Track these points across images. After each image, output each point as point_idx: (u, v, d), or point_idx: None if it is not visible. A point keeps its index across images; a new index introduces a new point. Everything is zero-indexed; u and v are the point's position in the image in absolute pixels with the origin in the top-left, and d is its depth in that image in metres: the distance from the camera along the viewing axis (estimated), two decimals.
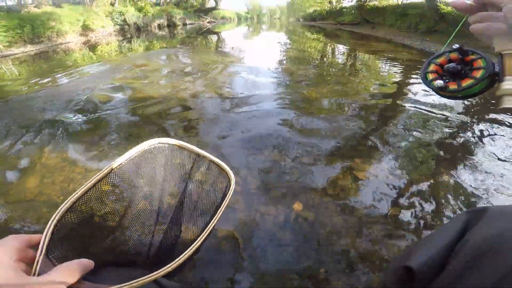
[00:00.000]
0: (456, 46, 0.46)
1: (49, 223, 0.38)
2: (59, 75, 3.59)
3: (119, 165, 0.54)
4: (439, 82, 0.45)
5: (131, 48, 6.65)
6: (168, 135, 1.75)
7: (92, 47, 7.00)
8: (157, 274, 0.38)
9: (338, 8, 19.77)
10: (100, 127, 1.89)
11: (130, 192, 0.59)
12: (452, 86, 0.45)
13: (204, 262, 0.86)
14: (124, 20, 11.32)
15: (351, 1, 18.60)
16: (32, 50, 6.75)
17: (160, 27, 13.49)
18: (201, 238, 0.45)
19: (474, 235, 0.34)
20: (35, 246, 0.34)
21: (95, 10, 9.88)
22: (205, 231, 0.48)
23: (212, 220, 0.50)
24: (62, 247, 0.40)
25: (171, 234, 0.59)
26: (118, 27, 11.02)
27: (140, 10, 12.68)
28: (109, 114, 2.12)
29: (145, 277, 0.37)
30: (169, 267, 0.40)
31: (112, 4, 11.43)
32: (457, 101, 2.49)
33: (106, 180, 0.52)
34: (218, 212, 0.52)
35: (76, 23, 8.79)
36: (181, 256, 0.42)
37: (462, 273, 0.32)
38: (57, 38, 7.87)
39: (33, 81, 3.34)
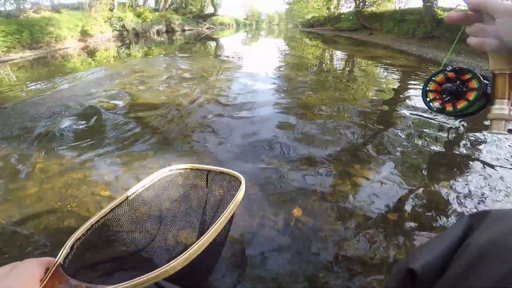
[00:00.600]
0: (450, 67, 0.45)
1: (62, 249, 0.45)
2: (57, 81, 3.57)
3: (133, 193, 0.61)
4: (437, 105, 0.45)
5: (130, 54, 6.66)
6: (167, 142, 1.71)
7: (91, 52, 7.00)
8: (151, 274, 0.40)
9: (336, 14, 20.02)
10: (98, 133, 1.87)
11: (147, 216, 0.65)
12: (448, 107, 0.44)
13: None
14: (123, 26, 11.37)
15: (349, 7, 18.87)
16: (31, 56, 6.75)
17: (158, 33, 13.57)
18: (202, 239, 0.47)
19: (476, 238, 0.34)
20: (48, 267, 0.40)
21: (94, 16, 9.92)
22: (207, 233, 0.49)
23: (216, 222, 0.51)
24: (79, 265, 0.46)
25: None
26: (116, 32, 11.06)
27: (139, 15, 12.76)
28: (108, 120, 2.10)
29: (139, 278, 0.40)
30: (164, 268, 0.41)
31: (111, 10, 11.49)
32: None
33: (118, 210, 0.58)
34: (224, 213, 0.54)
35: (75, 28, 8.82)
36: (178, 257, 0.44)
37: (462, 275, 0.32)
38: (55, 44, 7.88)
39: (31, 87, 3.31)
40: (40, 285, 0.36)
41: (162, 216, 0.72)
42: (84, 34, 9.16)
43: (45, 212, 1.12)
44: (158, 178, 0.70)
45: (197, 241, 0.47)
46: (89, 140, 1.76)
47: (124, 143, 1.71)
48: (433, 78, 0.48)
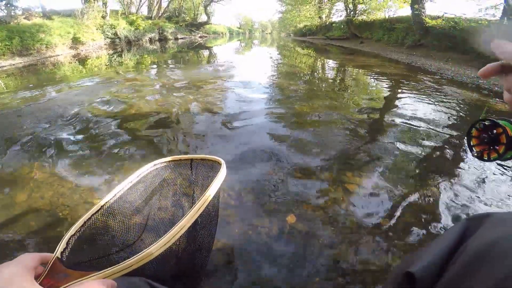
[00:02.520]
0: (485, 122, 0.47)
1: (59, 244, 0.50)
2: (47, 89, 3.50)
3: (121, 189, 0.64)
4: (476, 152, 0.46)
5: (122, 62, 6.62)
6: (159, 150, 1.69)
7: (82, 60, 6.94)
8: (130, 260, 0.43)
9: (327, 23, 20.49)
10: (89, 142, 1.83)
11: (136, 209, 0.69)
12: (485, 155, 0.46)
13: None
14: (115, 34, 11.34)
15: (341, 16, 19.35)
16: (21, 63, 6.63)
17: (151, 41, 13.58)
18: (181, 221, 0.48)
19: (474, 241, 0.35)
20: (45, 263, 0.42)
21: (86, 23, 9.87)
22: (185, 215, 0.50)
23: (195, 206, 0.53)
24: (75, 257, 0.51)
25: None
26: (109, 40, 11.01)
27: (131, 23, 12.76)
28: (99, 129, 2.06)
29: (124, 262, 0.43)
30: (145, 251, 0.44)
31: (104, 17, 11.46)
32: (443, 116, 2.54)
33: (106, 208, 0.61)
34: (204, 195, 0.55)
35: (66, 35, 8.74)
36: (158, 240, 0.46)
37: (460, 278, 0.32)
38: (46, 51, 7.77)
39: (21, 95, 3.24)
40: (41, 277, 0.40)
41: (151, 209, 0.75)
42: (76, 41, 9.08)
43: (35, 220, 1.09)
44: (144, 173, 0.73)
45: (177, 224, 0.48)
46: (79, 149, 1.73)
47: (116, 152, 1.68)
48: (475, 125, 0.50)
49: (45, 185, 1.33)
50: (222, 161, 0.72)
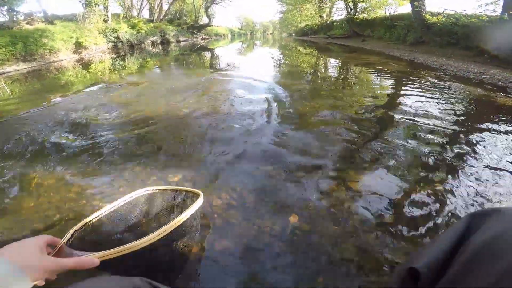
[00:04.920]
0: None
1: (66, 233, 0.65)
2: (52, 94, 3.54)
3: (115, 205, 0.81)
4: None
5: (125, 65, 6.67)
6: (164, 154, 1.70)
7: (85, 65, 7.01)
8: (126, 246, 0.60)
9: (328, 22, 20.43)
10: (94, 147, 1.84)
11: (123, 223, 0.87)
12: None
13: (201, 275, 0.87)
14: (118, 37, 11.43)
15: (341, 15, 19.30)
16: (25, 68, 6.72)
17: (153, 44, 13.66)
18: (154, 233, 0.66)
19: (477, 237, 0.35)
20: (54, 245, 0.54)
21: (88, 27, 9.96)
22: (158, 230, 0.67)
23: (166, 225, 0.70)
24: (78, 244, 0.66)
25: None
26: (111, 44, 11.10)
27: (133, 27, 12.85)
28: (103, 133, 2.07)
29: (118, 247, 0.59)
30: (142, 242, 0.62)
31: (105, 21, 11.55)
32: (447, 111, 2.52)
33: (103, 215, 0.78)
34: (178, 218, 0.74)
35: (69, 40, 8.82)
36: (150, 235, 0.64)
37: (463, 273, 0.32)
38: (49, 56, 7.86)
39: (26, 100, 3.28)
40: (51, 254, 0.52)
41: (137, 224, 0.92)
42: (79, 46, 9.16)
43: (42, 224, 1.10)
44: (136, 196, 0.90)
45: (155, 231, 0.67)
46: (85, 153, 1.74)
47: (121, 156, 1.69)
48: None
49: (52, 190, 1.34)
50: (201, 193, 0.92)
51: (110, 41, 11.04)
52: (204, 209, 1.03)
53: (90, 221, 0.74)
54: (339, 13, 20.10)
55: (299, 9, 23.10)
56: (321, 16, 21.60)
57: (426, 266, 0.37)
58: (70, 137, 2.02)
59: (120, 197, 0.88)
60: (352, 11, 15.93)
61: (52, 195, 1.30)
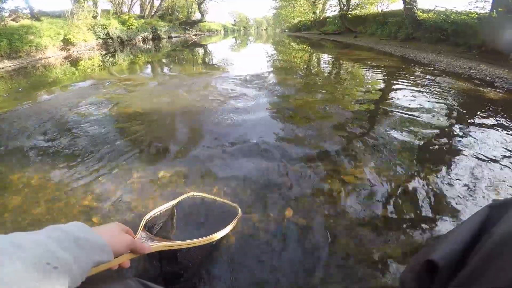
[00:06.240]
0: None
1: (142, 222, 0.73)
2: (39, 92, 3.44)
3: (166, 207, 0.86)
4: None
5: (115, 62, 6.53)
6: (156, 151, 1.66)
7: (74, 62, 6.83)
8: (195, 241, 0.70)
9: (322, 18, 20.43)
10: (83, 144, 1.79)
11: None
12: None
13: (198, 271, 0.86)
14: (107, 34, 11.17)
15: (334, 11, 19.32)
16: (10, 66, 6.51)
17: (145, 40, 13.42)
18: (202, 239, 0.72)
19: (498, 228, 0.34)
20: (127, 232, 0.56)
21: (76, 24, 9.69)
22: (213, 235, 0.75)
23: (219, 232, 0.78)
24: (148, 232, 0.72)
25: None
26: (101, 40, 10.85)
27: (123, 23, 12.57)
28: (93, 131, 2.01)
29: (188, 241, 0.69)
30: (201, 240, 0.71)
31: (94, 17, 11.27)
32: (438, 105, 2.55)
33: (159, 213, 0.83)
34: (223, 230, 0.80)
35: (57, 37, 8.57)
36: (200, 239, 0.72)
37: (483, 267, 0.32)
38: (36, 53, 7.63)
39: (11, 98, 3.17)
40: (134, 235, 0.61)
41: (179, 225, 0.94)
42: (67, 42, 8.92)
43: (30, 225, 1.07)
44: (181, 198, 0.95)
45: (201, 238, 0.73)
46: (73, 151, 1.69)
47: (110, 153, 1.64)
48: None
49: (39, 190, 1.30)
50: (239, 209, 0.96)
51: (99, 37, 10.79)
52: (196, 205, 1.01)
53: (151, 216, 0.80)
54: (332, 10, 20.15)
55: (292, 5, 23.02)
56: (314, 12, 21.58)
57: (444, 258, 0.36)
58: (57, 135, 1.96)
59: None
60: (345, 7, 15.96)
61: (40, 195, 1.25)
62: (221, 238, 0.81)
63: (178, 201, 0.93)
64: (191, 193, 0.99)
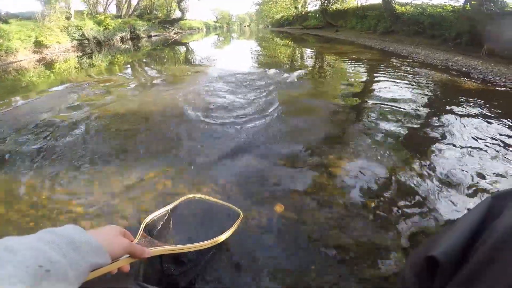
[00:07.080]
0: None
1: (141, 225, 0.72)
2: (12, 97, 3.24)
3: (166, 210, 0.86)
4: None
5: (93, 63, 6.27)
6: (137, 153, 1.60)
7: (48, 64, 6.50)
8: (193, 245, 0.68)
9: (303, 13, 20.53)
10: (62, 149, 1.70)
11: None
12: None
13: (200, 275, 0.84)
14: (83, 35, 10.70)
15: (315, 6, 19.44)
16: None
17: (123, 40, 12.96)
18: (206, 243, 0.72)
19: (502, 221, 0.33)
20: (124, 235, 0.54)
21: (48, 25, 9.21)
22: (212, 240, 0.74)
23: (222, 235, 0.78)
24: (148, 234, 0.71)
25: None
26: (76, 42, 10.37)
27: (99, 23, 12.07)
28: (72, 135, 1.92)
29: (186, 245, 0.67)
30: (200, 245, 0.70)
31: (68, 18, 10.75)
32: (418, 95, 2.62)
33: (157, 218, 0.83)
34: (225, 233, 0.80)
35: (27, 39, 8.11)
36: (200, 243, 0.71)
37: (487, 262, 0.31)
38: (6, 57, 7.20)
39: None
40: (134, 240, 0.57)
41: (180, 228, 0.92)
42: (39, 45, 8.46)
43: (15, 233, 0.99)
44: (181, 200, 0.94)
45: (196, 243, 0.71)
46: (52, 157, 1.60)
47: (90, 157, 1.57)
48: None
49: (20, 197, 1.23)
50: (241, 212, 0.92)
51: (74, 38, 10.31)
52: (196, 207, 0.99)
53: (151, 219, 0.80)
54: (313, 4, 20.24)
55: (274, 1, 22.97)
56: (296, 7, 21.64)
57: (445, 254, 0.35)
58: (34, 141, 1.85)
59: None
60: (326, 1, 16.10)
61: (22, 202, 1.19)
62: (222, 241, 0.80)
63: (177, 203, 0.91)
64: (191, 195, 0.97)
